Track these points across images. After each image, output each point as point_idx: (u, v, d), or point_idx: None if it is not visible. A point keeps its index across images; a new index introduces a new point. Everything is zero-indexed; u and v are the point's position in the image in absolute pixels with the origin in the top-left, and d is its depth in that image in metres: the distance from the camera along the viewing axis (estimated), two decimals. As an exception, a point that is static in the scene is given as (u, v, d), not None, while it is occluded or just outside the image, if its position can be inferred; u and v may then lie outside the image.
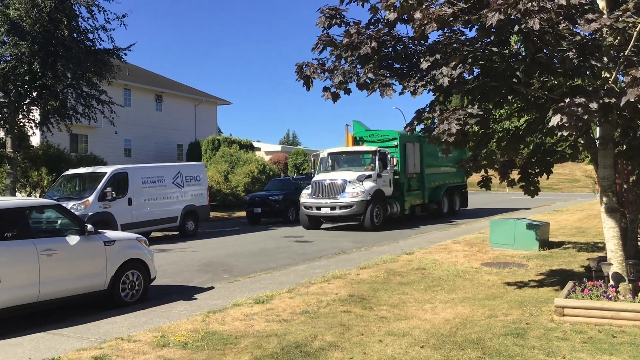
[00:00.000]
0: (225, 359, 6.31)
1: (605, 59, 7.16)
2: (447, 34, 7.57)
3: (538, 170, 9.29)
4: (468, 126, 7.67)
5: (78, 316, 8.49)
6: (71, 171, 19.87)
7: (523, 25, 6.45)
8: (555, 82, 8.29)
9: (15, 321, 8.10)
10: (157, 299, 9.64)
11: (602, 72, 7.51)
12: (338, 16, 8.19)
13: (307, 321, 7.80)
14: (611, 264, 7.92)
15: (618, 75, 7.26)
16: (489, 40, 7.40)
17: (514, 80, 7.83)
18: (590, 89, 7.38)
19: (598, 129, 8.15)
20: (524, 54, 7.43)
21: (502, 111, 10.09)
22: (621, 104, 6.35)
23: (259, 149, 44.81)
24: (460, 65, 7.27)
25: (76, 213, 14.68)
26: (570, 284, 8.38)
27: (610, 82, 7.13)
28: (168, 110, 40.88)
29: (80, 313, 8.71)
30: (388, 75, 8.03)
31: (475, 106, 7.70)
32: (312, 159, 24.11)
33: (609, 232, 8.01)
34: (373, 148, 21.88)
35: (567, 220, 21.59)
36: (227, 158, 35.75)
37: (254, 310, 8.42)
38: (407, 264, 12.28)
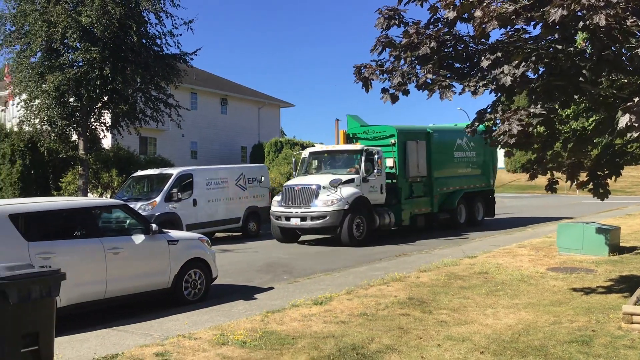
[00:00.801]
0: (282, 359, 6.36)
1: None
2: (509, 32, 7.37)
3: (607, 172, 8.92)
4: (531, 127, 7.45)
5: (142, 313, 8.75)
6: (139, 173, 20.52)
7: (588, 22, 6.21)
8: (625, 81, 7.94)
9: (83, 317, 8.41)
10: (218, 297, 9.82)
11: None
12: (397, 17, 8.11)
13: (365, 323, 7.76)
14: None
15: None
16: (552, 37, 7.16)
17: (580, 79, 7.54)
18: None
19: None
20: (590, 52, 7.16)
21: (568, 111, 9.76)
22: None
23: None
24: (523, 63, 7.06)
25: (144, 213, 15.14)
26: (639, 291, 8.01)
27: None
28: (232, 113, 41.65)
29: (145, 310, 8.97)
30: (448, 75, 7.91)
31: (539, 106, 7.46)
32: (293, 159, 21.10)
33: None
34: (358, 147, 18.43)
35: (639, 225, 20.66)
36: (289, 160, 36.04)
37: (312, 311, 8.45)
38: (469, 268, 12.04)
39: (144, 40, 21.96)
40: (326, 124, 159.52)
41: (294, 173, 20.07)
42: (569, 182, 8.89)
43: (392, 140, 19.10)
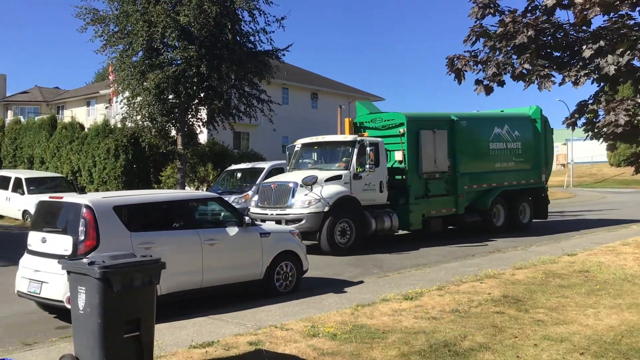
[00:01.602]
0: (372, 353, 6.35)
1: None
2: (612, 18, 6.98)
3: None
4: (638, 117, 7.03)
5: (236, 303, 8.99)
6: (233, 167, 21.15)
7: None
8: None
9: (180, 306, 8.76)
10: (308, 290, 9.93)
11: None
12: (492, 5, 7.90)
13: (457, 320, 7.61)
14: None
15: None
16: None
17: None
18: None
19: None
20: None
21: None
22: None
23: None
24: (629, 52, 6.67)
25: (237, 206, 15.52)
26: None
27: None
28: (323, 108, 42.01)
29: (238, 300, 9.21)
30: (547, 65, 7.59)
31: (647, 95, 7.03)
32: (287, 152, 17.90)
33: None
34: (350, 137, 15.85)
35: None
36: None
37: (403, 306, 8.38)
38: (569, 266, 11.53)
39: (238, 38, 22.50)
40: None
41: (286, 168, 17.67)
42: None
43: (401, 130, 16.34)
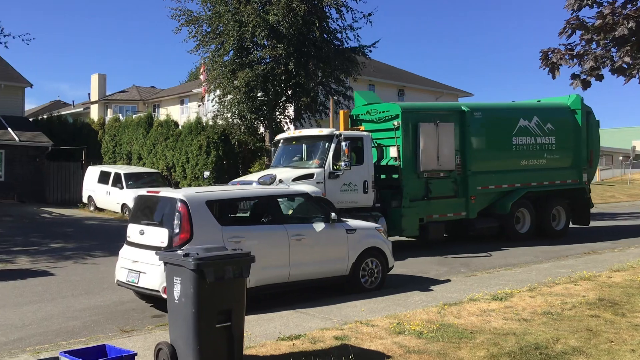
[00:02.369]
0: (460, 352, 6.26)
1: None
2: None
3: None
4: None
5: (322, 298, 9.11)
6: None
7: None
8: None
9: (268, 299, 8.97)
10: (393, 287, 9.92)
11: None
12: (589, -4, 7.56)
13: (549, 322, 7.37)
14: None
15: None
16: None
17: None
18: None
19: None
20: None
21: None
22: None
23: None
24: None
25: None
26: None
27: None
28: (410, 104, 41.53)
29: (324, 295, 9.32)
30: (649, 58, 7.21)
31: None
32: (272, 147, 16.45)
33: None
34: (327, 131, 14.10)
35: None
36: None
37: (491, 307, 8.20)
38: (671, 270, 10.89)
39: (325, 35, 22.71)
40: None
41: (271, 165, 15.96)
42: None
43: (396, 123, 14.40)
